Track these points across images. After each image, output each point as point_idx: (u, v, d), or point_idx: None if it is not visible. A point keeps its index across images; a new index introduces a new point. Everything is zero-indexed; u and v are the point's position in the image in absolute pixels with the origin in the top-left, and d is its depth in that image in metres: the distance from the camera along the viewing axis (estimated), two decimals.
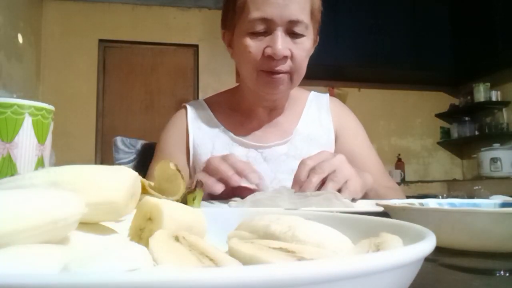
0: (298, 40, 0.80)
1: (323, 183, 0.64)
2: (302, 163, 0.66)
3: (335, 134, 0.96)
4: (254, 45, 0.80)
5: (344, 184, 0.65)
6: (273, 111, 0.94)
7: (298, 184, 0.64)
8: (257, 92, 0.87)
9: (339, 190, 0.64)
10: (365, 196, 0.73)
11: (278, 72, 0.80)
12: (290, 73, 0.82)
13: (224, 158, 0.68)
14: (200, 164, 0.90)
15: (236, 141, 0.91)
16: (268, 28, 0.79)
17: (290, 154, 0.90)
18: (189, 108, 0.97)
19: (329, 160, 0.65)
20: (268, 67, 0.80)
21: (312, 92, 1.03)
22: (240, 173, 0.65)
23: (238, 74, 1.01)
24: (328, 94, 1.04)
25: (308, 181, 0.63)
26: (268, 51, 0.78)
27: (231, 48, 0.90)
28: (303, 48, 0.81)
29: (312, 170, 0.64)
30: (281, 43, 0.77)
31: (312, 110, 0.98)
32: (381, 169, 0.96)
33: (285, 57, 0.79)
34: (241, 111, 0.95)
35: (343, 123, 0.98)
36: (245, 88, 0.92)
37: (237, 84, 1.03)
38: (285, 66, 0.80)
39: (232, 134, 0.91)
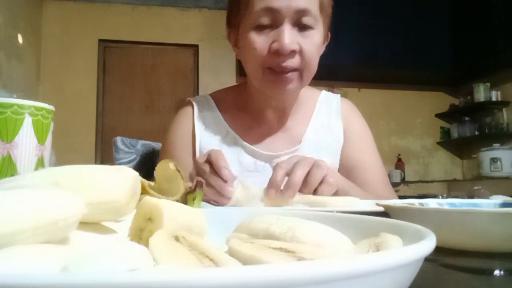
0: (307, 34, 0.75)
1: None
2: (277, 166, 0.62)
3: (343, 135, 0.93)
4: (259, 41, 0.74)
5: (325, 177, 0.62)
6: (282, 113, 0.89)
7: (275, 187, 0.60)
8: (264, 92, 0.82)
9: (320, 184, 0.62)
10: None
11: (286, 70, 0.74)
12: (300, 70, 0.76)
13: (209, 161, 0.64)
14: None
15: (244, 148, 0.87)
16: (274, 20, 0.74)
17: None
18: (195, 105, 0.91)
19: (305, 159, 0.63)
20: (275, 63, 0.74)
21: (324, 92, 0.97)
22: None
23: (240, 74, 0.99)
24: (339, 95, 0.98)
25: (292, 176, 0.59)
26: (275, 45, 0.72)
27: (237, 47, 0.85)
28: (312, 43, 0.75)
29: (292, 169, 0.61)
30: (288, 36, 0.72)
31: (322, 114, 0.93)
32: (382, 178, 0.91)
33: (293, 52, 0.73)
34: (250, 112, 0.90)
35: (351, 127, 0.94)
36: (253, 87, 0.87)
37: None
38: (294, 62, 0.74)
39: (241, 141, 0.87)
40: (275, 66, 0.75)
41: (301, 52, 0.74)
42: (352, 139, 0.92)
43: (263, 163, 0.87)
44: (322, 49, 0.82)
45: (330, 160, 0.89)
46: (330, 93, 0.98)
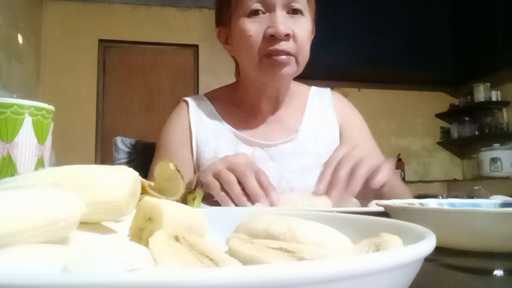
0: (298, 20, 0.78)
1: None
2: (327, 164, 0.62)
3: (339, 129, 0.94)
4: (254, 28, 0.77)
5: (377, 169, 0.61)
6: (276, 104, 0.91)
7: (323, 183, 0.60)
8: (261, 79, 0.83)
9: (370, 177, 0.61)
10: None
11: (282, 53, 0.77)
12: (295, 56, 0.79)
13: (237, 170, 0.61)
14: (204, 162, 0.86)
15: (241, 139, 0.87)
16: (266, 9, 0.77)
17: (296, 152, 0.87)
18: (190, 102, 0.93)
19: (353, 152, 0.62)
20: (271, 49, 0.76)
21: (313, 87, 1.00)
22: (253, 196, 0.59)
23: (237, 71, 0.98)
24: (329, 89, 1.01)
25: (335, 176, 0.59)
26: (270, 30, 0.75)
27: (228, 44, 0.87)
28: (303, 28, 0.79)
29: (338, 165, 0.61)
30: (282, 21, 0.75)
31: (315, 105, 0.95)
32: None
33: (288, 36, 0.76)
34: (244, 106, 0.91)
35: (347, 118, 0.96)
36: (247, 80, 0.88)
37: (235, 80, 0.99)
38: (289, 46, 0.77)
39: (236, 131, 0.88)
40: (271, 52, 0.77)
41: (294, 37, 0.77)
42: (350, 129, 0.94)
43: (260, 152, 0.87)
44: (311, 37, 0.85)
45: (328, 148, 0.90)
46: (320, 88, 1.01)
